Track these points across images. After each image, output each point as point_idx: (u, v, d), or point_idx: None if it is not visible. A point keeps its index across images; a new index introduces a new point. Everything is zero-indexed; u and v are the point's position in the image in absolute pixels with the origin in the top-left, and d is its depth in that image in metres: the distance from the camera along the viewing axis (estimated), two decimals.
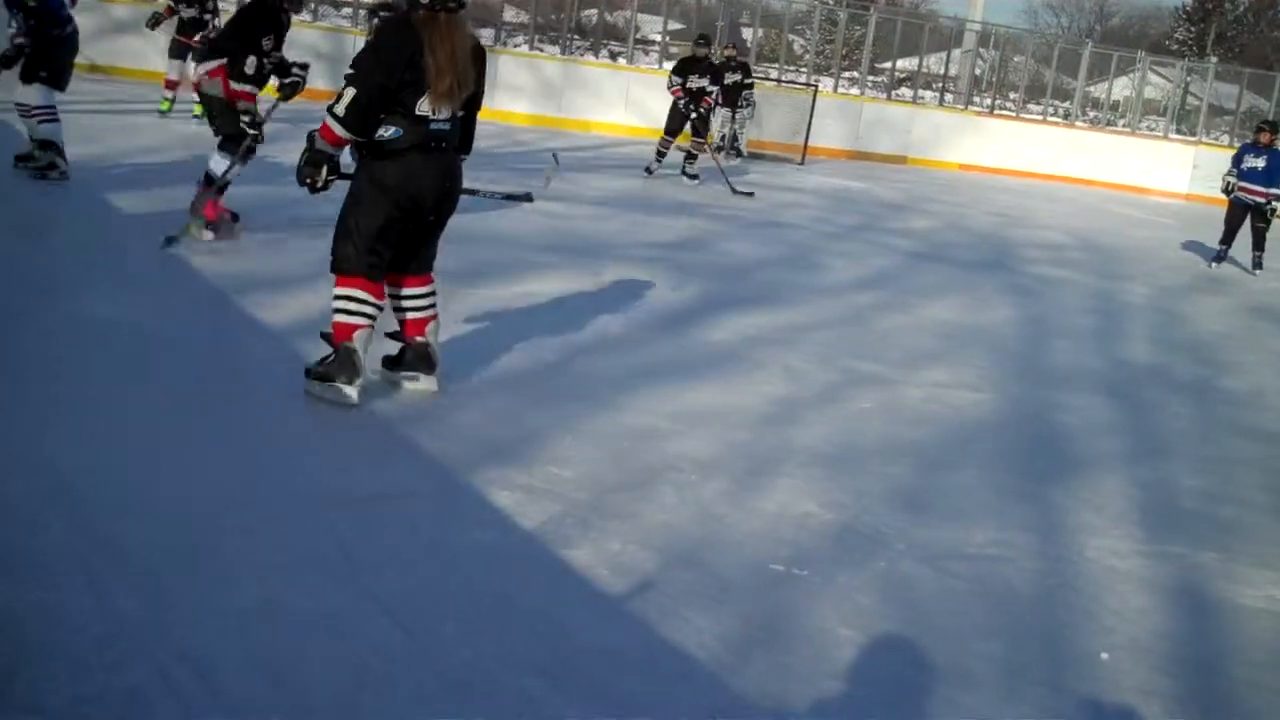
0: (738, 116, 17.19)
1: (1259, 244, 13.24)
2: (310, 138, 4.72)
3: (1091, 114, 26.01)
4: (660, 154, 14.34)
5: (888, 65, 25.14)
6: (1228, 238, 13.38)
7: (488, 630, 3.28)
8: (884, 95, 23.47)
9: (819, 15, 24.80)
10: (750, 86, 17.20)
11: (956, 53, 25.58)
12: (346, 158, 4.84)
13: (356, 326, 4.79)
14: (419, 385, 5.10)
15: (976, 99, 24.37)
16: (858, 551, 4.16)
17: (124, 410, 4.51)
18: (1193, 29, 46.45)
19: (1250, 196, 13.24)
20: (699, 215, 11.71)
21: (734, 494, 4.51)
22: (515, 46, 20.38)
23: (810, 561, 3.99)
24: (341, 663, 3.02)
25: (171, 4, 12.64)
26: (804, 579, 3.88)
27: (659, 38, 23.18)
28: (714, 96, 14.22)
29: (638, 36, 22.22)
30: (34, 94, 8.09)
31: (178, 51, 12.62)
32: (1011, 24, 33.24)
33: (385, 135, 4.65)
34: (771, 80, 20.21)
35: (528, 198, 6.58)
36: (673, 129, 14.25)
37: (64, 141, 8.26)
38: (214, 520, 3.68)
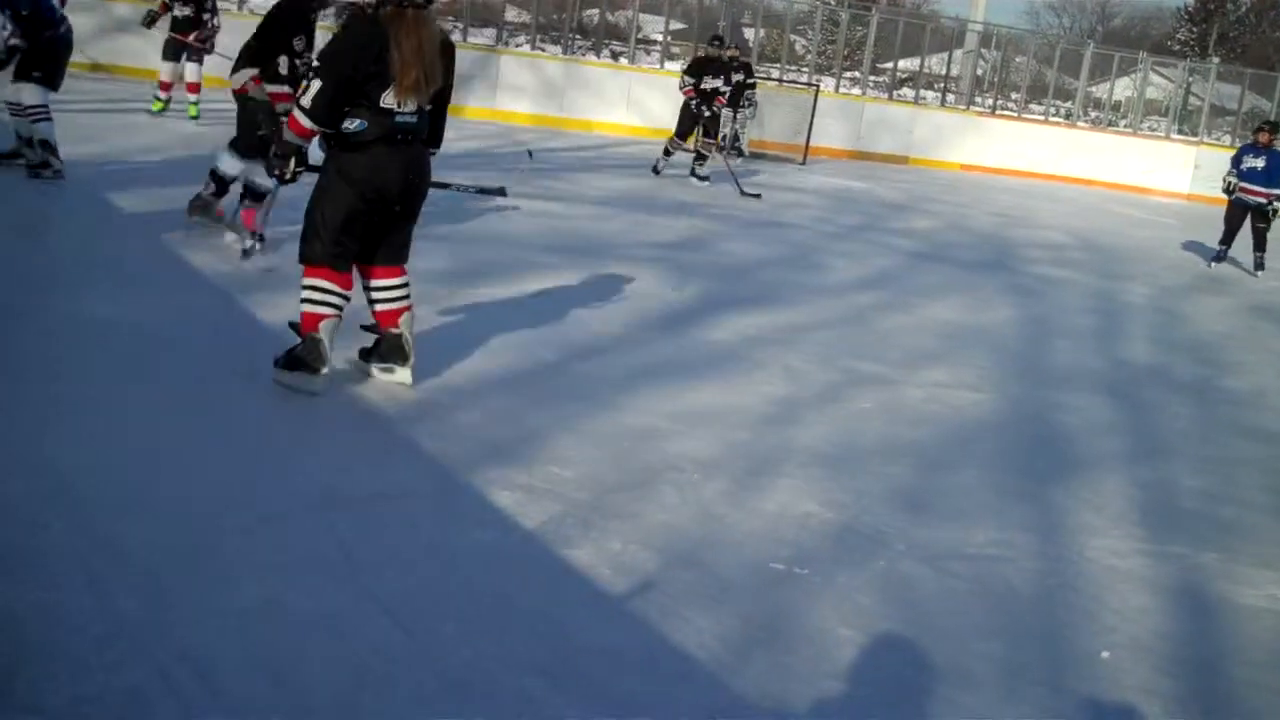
0: (739, 116, 17.17)
1: (1260, 244, 13.21)
2: (279, 130, 4.85)
3: (1093, 114, 25.99)
4: (667, 153, 14.25)
5: (889, 65, 25.14)
6: (1227, 238, 13.36)
7: (488, 630, 3.28)
8: (886, 95, 23.46)
9: (820, 15, 24.79)
10: (753, 87, 17.20)
11: (958, 53, 25.58)
12: (317, 151, 4.89)
13: (322, 316, 4.84)
14: (394, 377, 5.14)
15: (978, 99, 24.36)
16: (858, 551, 4.16)
17: (124, 410, 4.50)
18: (1194, 29, 46.42)
19: (1251, 197, 13.22)
20: (700, 215, 11.71)
21: (734, 494, 4.51)
22: (517, 46, 20.37)
23: (810, 561, 3.99)
24: (341, 663, 3.02)
25: (167, 1, 12.33)
26: (804, 579, 3.88)
27: (661, 38, 23.18)
28: (726, 97, 14.13)
29: (639, 36, 22.22)
30: (28, 93, 8.10)
31: (172, 52, 12.32)
32: (1013, 24, 33.20)
33: (351, 127, 4.71)
34: (773, 80, 20.19)
35: (501, 192, 6.56)
36: (684, 130, 14.13)
37: (58, 140, 8.25)
38: (214, 520, 3.68)
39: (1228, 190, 13.42)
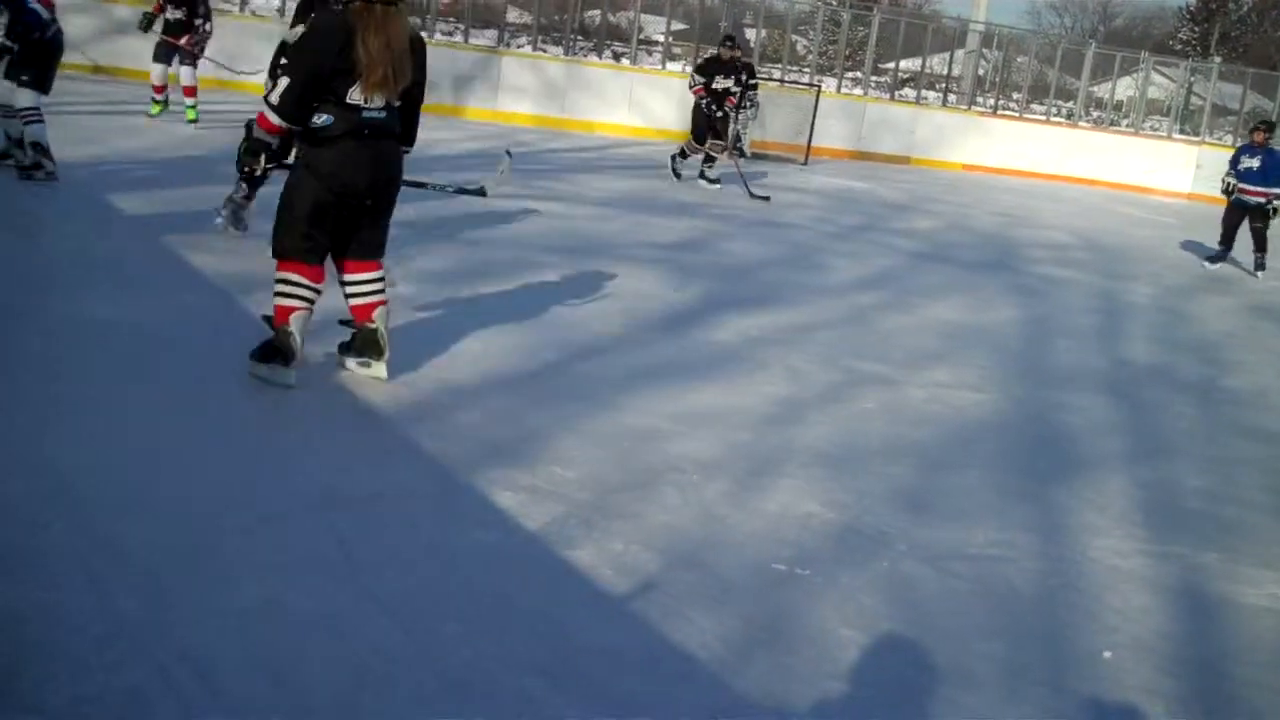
0: (741, 117, 17.13)
1: (1260, 245, 13.12)
2: (249, 126, 4.90)
3: (1095, 114, 25.96)
4: (684, 155, 14.16)
5: (891, 66, 25.11)
6: (1226, 239, 13.28)
7: (488, 630, 3.28)
8: (887, 95, 23.43)
9: (822, 16, 24.78)
10: (754, 87, 17.17)
11: (960, 53, 25.54)
12: None
13: (293, 309, 4.89)
14: (370, 371, 5.17)
15: (980, 99, 24.34)
16: (860, 552, 4.15)
17: (124, 410, 4.51)
18: (1196, 29, 46.39)
19: (1249, 198, 13.15)
20: (701, 216, 11.70)
21: (736, 494, 4.51)
22: (518, 47, 20.35)
23: (812, 562, 3.99)
24: (342, 663, 3.02)
25: (161, 4, 12.20)
26: (806, 579, 3.87)
27: (662, 38, 23.17)
28: (737, 98, 14.00)
29: (641, 37, 22.19)
30: (18, 96, 8.14)
31: (163, 55, 12.15)
32: (1015, 24, 33.19)
33: (319, 122, 4.77)
34: (775, 81, 20.18)
35: (481, 192, 6.56)
36: (700, 133, 13.93)
37: (56, 142, 8.26)
38: (214, 520, 3.68)
39: (1227, 191, 13.37)
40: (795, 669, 3.33)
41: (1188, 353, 8.61)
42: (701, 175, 13.89)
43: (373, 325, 5.10)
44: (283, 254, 4.91)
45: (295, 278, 4.89)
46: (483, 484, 4.26)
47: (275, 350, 4.92)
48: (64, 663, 2.82)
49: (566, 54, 20.22)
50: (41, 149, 8.19)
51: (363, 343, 5.15)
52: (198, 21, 12.07)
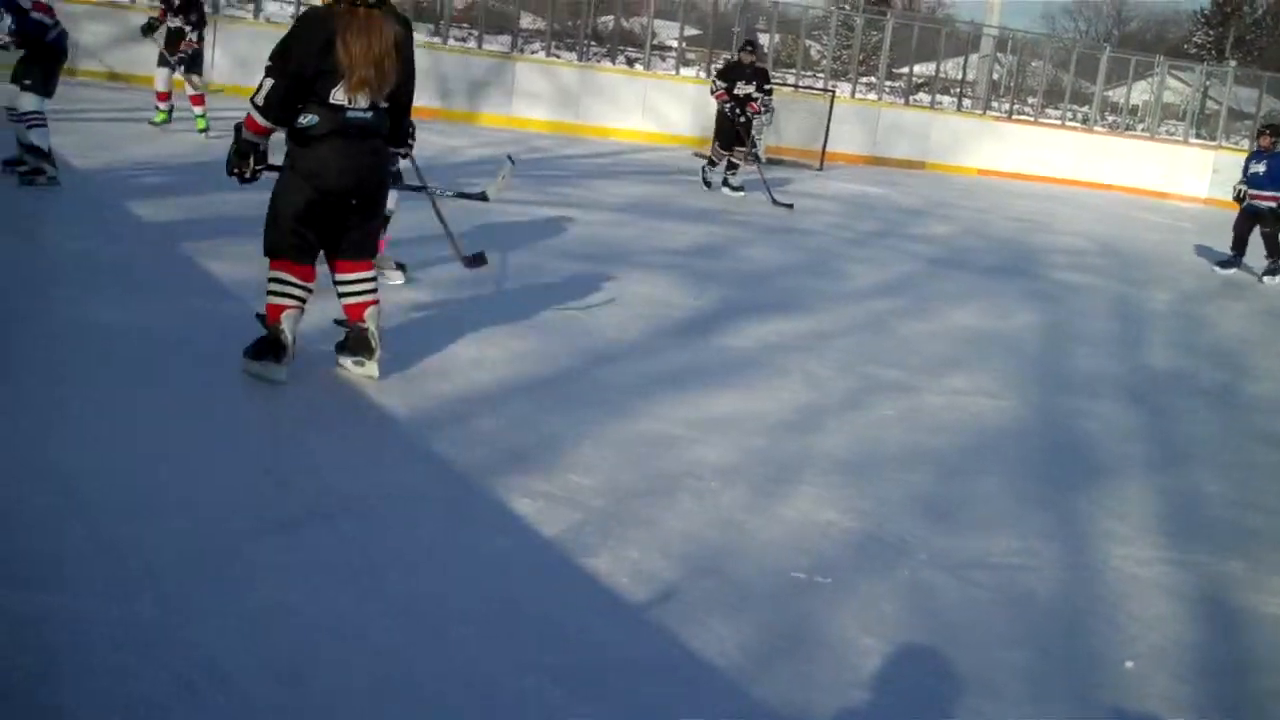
0: (756, 123, 17.11)
1: (1272, 250, 12.99)
2: (237, 129, 4.93)
3: (1110, 119, 25.90)
4: (712, 163, 14.12)
5: (905, 70, 25.07)
6: (1238, 245, 13.13)
7: (505, 637, 3.26)
8: (901, 100, 23.40)
9: (835, 20, 24.79)
10: (769, 92, 17.16)
11: (974, 57, 25.48)
12: None
13: (284, 307, 4.98)
14: (363, 370, 5.22)
15: (994, 104, 24.30)
16: (879, 560, 4.13)
17: (132, 414, 4.51)
18: (1211, 33, 46.24)
19: (1260, 203, 13.00)
20: (717, 222, 11.69)
21: (754, 501, 4.49)
22: (532, 53, 20.36)
23: (832, 569, 3.97)
24: (358, 668, 3.01)
25: (164, 11, 12.18)
26: (826, 587, 3.85)
27: (676, 44, 23.18)
28: (759, 103, 13.95)
29: (654, 42, 22.21)
30: (22, 100, 8.23)
31: (163, 61, 12.15)
32: (1029, 29, 33.22)
33: (304, 122, 4.82)
34: (789, 86, 20.17)
35: (482, 197, 6.53)
36: (726, 140, 13.86)
37: (52, 147, 8.28)
38: (227, 525, 3.68)
39: (1238, 198, 13.24)
40: (815, 677, 3.32)
41: (1205, 358, 8.58)
42: (725, 183, 13.85)
43: (364, 325, 5.16)
44: (273, 253, 5.00)
45: (286, 276, 4.98)
46: (499, 490, 4.25)
47: (267, 347, 5.01)
48: (80, 668, 2.81)
49: (580, 60, 20.25)
50: (43, 154, 8.22)
51: (355, 342, 5.22)
52: (186, 29, 12.02)
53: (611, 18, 22.76)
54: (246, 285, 6.25)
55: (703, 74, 21.27)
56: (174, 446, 4.26)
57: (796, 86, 20.81)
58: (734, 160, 13.83)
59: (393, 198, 6.94)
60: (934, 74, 25.10)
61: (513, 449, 4.68)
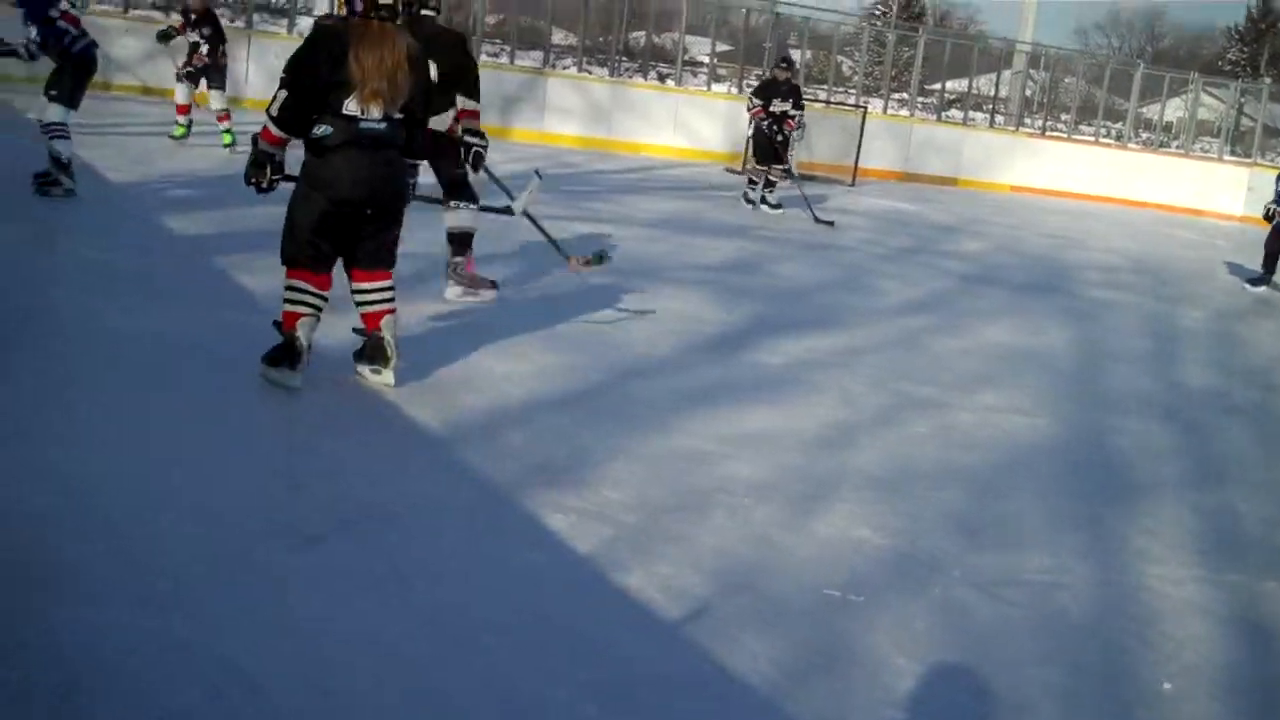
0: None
1: None
2: (254, 140, 5.07)
3: (1144, 135, 25.79)
4: (753, 182, 14.11)
5: (937, 86, 25.03)
6: (1268, 263, 13.00)
7: (538, 652, 3.27)
8: (934, 116, 23.37)
9: (867, 36, 24.79)
10: (801, 109, 17.16)
11: (1007, 74, 25.43)
12: None
13: (299, 315, 5.07)
14: (379, 378, 5.30)
15: (1027, 120, 24.24)
16: (912, 577, 4.11)
17: (147, 423, 4.55)
18: (1246, 49, 46.05)
19: None
20: (749, 238, 11.68)
21: (787, 518, 4.48)
22: (564, 69, 20.43)
23: (865, 587, 3.96)
24: (389, 680, 3.01)
25: (185, 24, 12.28)
26: (859, 604, 3.84)
27: (707, 59, 23.21)
28: (796, 120, 13.91)
29: (686, 58, 22.24)
30: (48, 110, 8.34)
31: (189, 75, 12.21)
32: (1062, 45, 33.08)
33: (318, 133, 4.93)
34: (820, 102, 20.17)
35: (508, 211, 6.59)
36: (764, 155, 13.88)
37: (71, 158, 8.35)
38: (262, 537, 3.70)
39: (1268, 216, 13.09)
40: (849, 695, 3.30)
41: (1240, 376, 8.53)
42: (763, 200, 13.84)
43: (381, 333, 5.24)
44: (289, 262, 5.10)
45: (301, 285, 5.08)
46: (529, 503, 4.25)
47: (283, 354, 5.08)
48: (115, 681, 2.83)
49: (612, 75, 20.31)
50: (61, 165, 8.29)
51: (372, 350, 5.30)
52: (200, 42, 12.09)
53: (643, 33, 22.83)
54: (271, 296, 6.30)
55: (734, 90, 21.29)
56: (207, 459, 4.28)
57: (828, 102, 20.80)
58: (771, 178, 13.81)
59: (472, 216, 7.00)
60: (967, 90, 25.05)
61: (543, 463, 4.69)
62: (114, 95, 14.45)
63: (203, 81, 12.21)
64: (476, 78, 7.05)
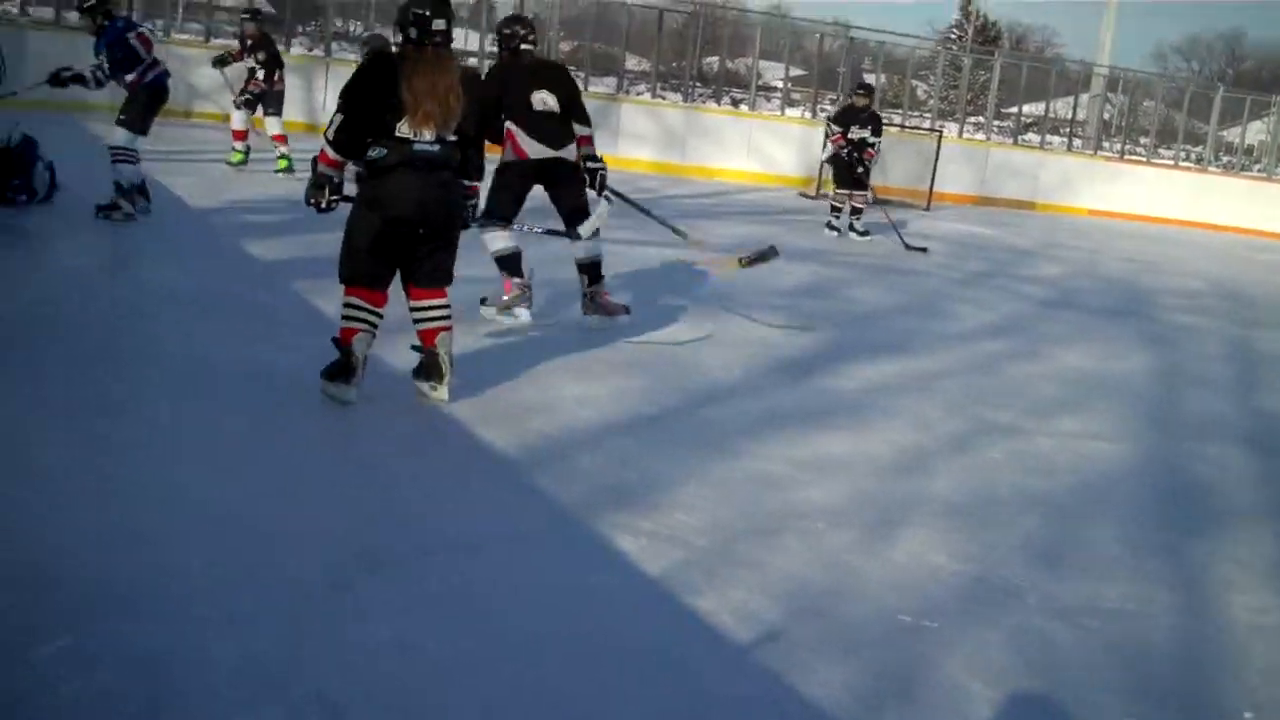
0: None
1: None
2: (313, 163, 5.27)
3: (1225, 159, 25.41)
4: (836, 209, 14.04)
5: (1014, 110, 24.85)
6: None
7: (614, 675, 3.26)
8: (1010, 140, 23.18)
9: (943, 60, 24.66)
10: (879, 135, 17.10)
11: (1084, 97, 25.18)
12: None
13: (355, 331, 5.20)
14: (435, 394, 5.40)
15: (1105, 144, 23.97)
16: (989, 604, 4.06)
17: (249, 445, 4.64)
18: None
19: None
20: (823, 262, 11.64)
21: (862, 543, 4.44)
22: (638, 94, 20.53)
23: (940, 614, 3.90)
24: (470, 706, 3.02)
25: (241, 50, 12.52)
26: (933, 631, 3.79)
27: (781, 84, 23.20)
28: (876, 148, 13.80)
29: (759, 83, 22.25)
30: (115, 134, 8.54)
31: (245, 101, 12.43)
32: (1140, 68, 32.71)
33: (373, 155, 5.08)
34: (895, 126, 20.08)
35: (573, 235, 6.66)
36: (842, 180, 13.82)
37: (134, 184, 8.52)
38: (345, 561, 3.72)
39: None
40: None
41: None
42: (850, 227, 13.78)
43: (436, 350, 5.34)
44: (347, 280, 5.26)
45: (358, 302, 5.22)
46: (603, 527, 4.25)
47: (340, 369, 5.19)
48: (199, 700, 2.86)
49: (685, 100, 20.36)
50: (123, 190, 8.43)
51: (428, 367, 5.40)
52: (256, 68, 12.29)
53: (716, 59, 22.90)
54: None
55: (808, 114, 21.27)
56: (289, 479, 4.35)
57: (903, 126, 20.70)
58: (855, 204, 13.74)
59: (598, 245, 7.04)
60: (1043, 113, 24.81)
61: (615, 486, 4.69)
62: (194, 123, 14.70)
63: (259, 107, 12.43)
64: (583, 103, 7.30)
